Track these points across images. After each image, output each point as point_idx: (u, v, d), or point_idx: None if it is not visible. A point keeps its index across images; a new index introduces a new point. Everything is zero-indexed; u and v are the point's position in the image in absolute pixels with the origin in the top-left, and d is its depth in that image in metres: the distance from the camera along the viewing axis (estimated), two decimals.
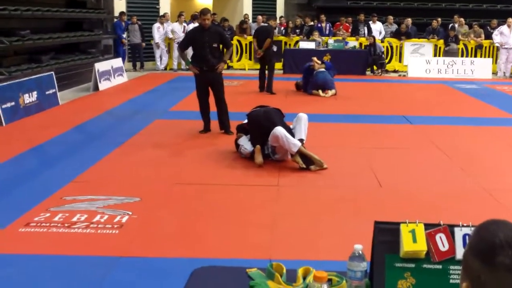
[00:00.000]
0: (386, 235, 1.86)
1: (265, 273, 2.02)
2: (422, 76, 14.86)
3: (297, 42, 15.90)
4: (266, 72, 11.54)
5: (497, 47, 15.61)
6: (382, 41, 16.12)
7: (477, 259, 1.20)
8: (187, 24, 15.75)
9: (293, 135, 5.88)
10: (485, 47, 16.18)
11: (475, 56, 16.08)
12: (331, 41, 15.44)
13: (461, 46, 16.13)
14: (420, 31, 16.90)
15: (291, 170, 5.79)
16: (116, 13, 15.55)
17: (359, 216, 4.40)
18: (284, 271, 2.02)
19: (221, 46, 7.65)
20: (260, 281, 1.97)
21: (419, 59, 15.57)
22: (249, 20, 17.37)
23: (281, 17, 18.08)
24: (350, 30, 16.77)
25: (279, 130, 5.74)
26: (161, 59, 15.99)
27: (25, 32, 10.27)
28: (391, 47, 16.37)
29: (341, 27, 16.82)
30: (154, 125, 8.09)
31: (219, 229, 4.18)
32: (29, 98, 8.93)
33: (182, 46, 7.84)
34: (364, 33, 16.42)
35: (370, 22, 16.66)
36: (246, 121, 6.38)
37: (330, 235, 4.07)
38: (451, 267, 1.81)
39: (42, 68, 10.52)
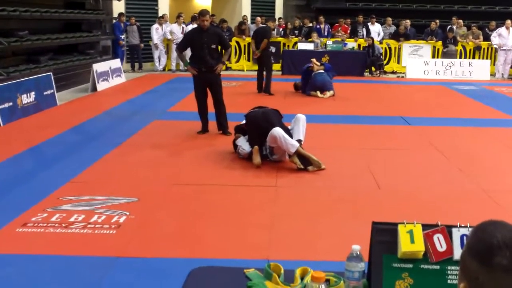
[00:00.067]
0: (384, 235, 1.85)
1: (263, 274, 2.02)
2: (421, 77, 14.89)
3: (295, 43, 15.91)
4: (264, 73, 11.55)
5: (496, 48, 15.63)
6: (381, 43, 16.14)
7: (475, 260, 1.19)
8: (186, 25, 15.76)
9: (291, 135, 5.88)
10: (484, 49, 16.21)
11: (473, 57, 16.12)
12: (329, 42, 15.45)
13: (459, 47, 16.16)
14: (418, 32, 16.94)
15: (289, 170, 5.79)
16: (115, 14, 15.55)
17: (357, 216, 4.40)
18: (282, 271, 2.01)
19: (219, 47, 7.65)
20: (257, 281, 1.96)
21: (418, 61, 15.59)
22: (247, 21, 17.38)
23: (279, 18, 18.10)
24: (348, 31, 16.79)
25: (277, 130, 5.74)
26: (159, 60, 15.99)
27: (23, 32, 10.26)
28: (390, 48, 16.40)
29: (339, 29, 16.83)
30: (152, 126, 8.09)
31: (217, 229, 4.17)
32: (27, 98, 8.92)
33: (181, 47, 7.84)
34: (363, 35, 16.44)
35: (369, 24, 16.69)
36: (244, 121, 6.38)
37: (328, 236, 4.07)
38: (449, 267, 1.81)
39: (40, 68, 10.51)
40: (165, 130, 7.78)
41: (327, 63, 12.74)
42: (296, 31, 16.85)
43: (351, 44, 15.90)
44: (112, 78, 12.64)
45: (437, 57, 16.01)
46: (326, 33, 16.84)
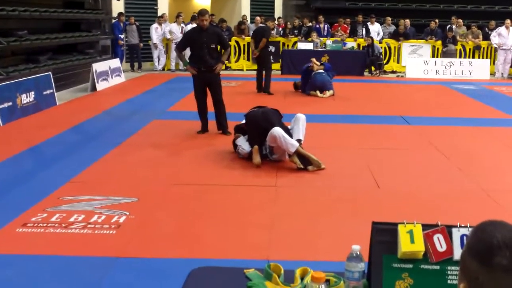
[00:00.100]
0: (384, 235, 1.85)
1: (263, 274, 2.02)
2: (420, 77, 14.89)
3: (295, 43, 15.91)
4: (264, 72, 11.55)
5: (495, 48, 15.64)
6: (380, 42, 16.14)
7: (475, 260, 1.20)
8: (186, 25, 15.75)
9: (291, 135, 5.88)
10: (483, 48, 16.21)
11: (473, 57, 16.12)
12: (329, 42, 15.45)
13: (459, 47, 16.16)
14: (418, 32, 16.93)
15: (289, 170, 5.79)
16: (114, 14, 15.54)
17: (357, 216, 4.40)
18: (282, 271, 2.01)
19: (219, 47, 7.65)
20: (257, 281, 1.96)
21: (417, 60, 15.59)
22: (247, 21, 17.38)
23: (279, 18, 18.10)
24: (348, 31, 16.78)
25: (277, 130, 5.74)
26: (159, 60, 15.99)
27: (22, 32, 10.26)
28: (389, 48, 16.39)
29: (339, 28, 16.83)
30: (152, 126, 8.09)
31: (217, 229, 4.17)
32: (26, 98, 8.92)
33: (180, 47, 7.84)
34: (362, 34, 16.44)
35: (368, 23, 16.69)
36: (244, 121, 6.38)
37: (328, 236, 4.07)
38: (449, 267, 1.81)
39: (40, 68, 10.51)
40: (165, 129, 7.78)
41: (327, 62, 12.74)
42: (295, 31, 16.85)
43: (351, 43, 15.90)
44: (112, 77, 12.64)
45: (437, 57, 16.02)
46: (325, 33, 16.85)
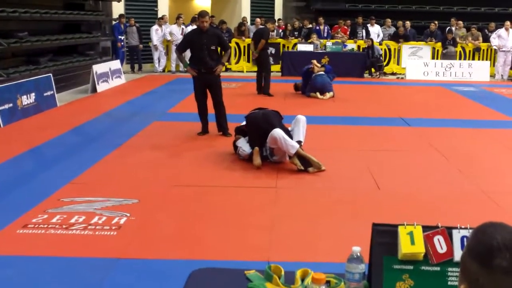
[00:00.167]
0: (384, 237, 1.86)
1: (263, 275, 2.02)
2: (420, 78, 14.89)
3: (295, 44, 15.92)
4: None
5: (495, 50, 15.65)
6: (380, 44, 16.15)
7: (475, 262, 1.20)
8: (186, 27, 15.76)
9: (291, 137, 5.89)
10: (483, 50, 16.22)
11: (473, 59, 16.13)
12: (329, 43, 15.46)
13: (459, 49, 16.17)
14: (418, 34, 16.94)
15: (289, 172, 5.80)
16: (115, 15, 15.55)
17: (357, 218, 4.40)
18: (283, 273, 2.02)
19: (219, 48, 7.66)
20: (258, 283, 1.97)
21: (417, 62, 15.60)
22: (247, 22, 17.39)
23: (279, 19, 18.11)
24: (348, 32, 16.79)
25: (277, 131, 5.74)
26: (159, 61, 16.00)
27: (23, 34, 10.26)
28: (389, 49, 16.40)
29: (339, 30, 16.84)
30: (152, 127, 8.09)
31: (217, 231, 4.18)
32: (27, 99, 8.93)
33: (180, 48, 7.84)
34: (362, 36, 16.45)
35: (368, 25, 16.70)
36: (244, 123, 6.38)
37: (328, 237, 4.07)
38: (449, 269, 1.82)
39: (40, 70, 10.51)
40: (165, 131, 7.79)
41: (327, 64, 12.75)
42: (295, 32, 16.87)
43: (351, 45, 15.92)
44: (112, 79, 12.65)
45: (437, 59, 16.03)
46: (325, 34, 16.86)
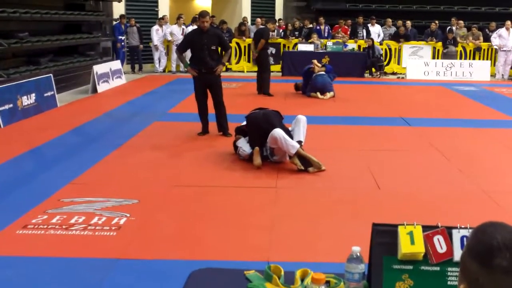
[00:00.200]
0: (384, 237, 1.86)
1: (263, 275, 2.02)
2: (421, 78, 14.89)
3: (295, 44, 15.92)
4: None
5: (496, 49, 15.64)
6: (381, 44, 16.15)
7: (475, 261, 1.20)
8: (186, 27, 15.77)
9: (291, 137, 5.88)
10: (484, 50, 16.21)
11: (474, 58, 16.12)
12: (329, 43, 15.46)
13: (459, 48, 16.16)
14: (418, 33, 16.94)
15: (290, 172, 5.79)
16: (115, 16, 15.55)
17: (357, 218, 4.40)
18: (282, 273, 2.01)
19: (219, 48, 7.66)
20: (258, 283, 1.97)
21: (418, 62, 15.59)
22: (247, 22, 17.39)
23: (279, 19, 18.12)
24: (348, 32, 16.80)
25: (277, 131, 5.74)
26: (159, 61, 16.00)
27: (23, 34, 10.27)
28: (390, 49, 16.40)
29: (339, 30, 16.84)
30: (153, 127, 8.09)
31: (217, 231, 4.17)
32: (27, 100, 8.93)
33: (181, 49, 7.84)
34: (363, 36, 16.45)
35: (369, 25, 16.70)
36: (244, 123, 6.38)
37: (328, 237, 4.07)
38: (449, 269, 1.81)
39: (41, 70, 10.52)
40: (165, 131, 7.79)
41: (328, 64, 12.75)
42: (296, 32, 16.87)
43: (351, 45, 15.92)
44: (112, 79, 12.65)
45: (437, 58, 16.02)
46: (326, 34, 16.86)
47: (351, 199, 4.94)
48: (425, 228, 1.84)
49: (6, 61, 10.09)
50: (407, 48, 16.42)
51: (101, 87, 11.87)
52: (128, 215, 4.44)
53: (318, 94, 11.13)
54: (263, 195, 5.06)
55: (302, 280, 1.96)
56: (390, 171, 5.87)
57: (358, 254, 1.83)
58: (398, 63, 16.41)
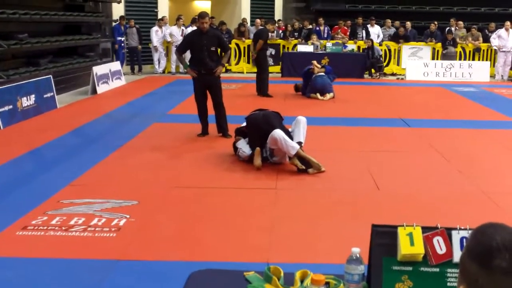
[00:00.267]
0: (383, 238, 1.86)
1: (263, 277, 2.02)
2: (420, 79, 14.89)
3: (295, 45, 15.92)
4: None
5: (495, 50, 15.65)
6: (380, 44, 16.15)
7: (474, 262, 1.20)
8: (186, 28, 15.77)
9: (291, 138, 5.88)
10: (483, 50, 16.22)
11: (473, 59, 16.12)
12: (329, 44, 15.46)
13: (459, 49, 16.16)
14: (418, 34, 16.94)
15: (289, 173, 5.79)
16: (115, 17, 15.56)
17: (357, 219, 4.40)
18: (282, 274, 2.02)
19: (219, 49, 7.66)
20: (257, 284, 1.97)
21: (417, 62, 15.60)
22: (247, 23, 17.40)
23: (279, 20, 18.13)
24: (348, 33, 16.80)
25: (277, 132, 5.74)
26: (159, 63, 16.01)
27: (23, 35, 10.26)
28: (389, 50, 16.40)
29: (339, 31, 16.84)
30: (152, 128, 8.09)
31: (217, 232, 4.17)
32: (27, 101, 8.93)
33: (180, 50, 7.84)
34: (362, 37, 16.45)
35: (368, 26, 16.70)
36: (244, 124, 6.38)
37: (328, 238, 4.07)
38: (449, 270, 1.81)
39: (40, 71, 10.52)
40: (165, 132, 7.79)
41: (327, 65, 12.75)
42: (295, 33, 16.87)
43: (351, 46, 15.92)
44: (112, 80, 12.65)
45: (437, 59, 16.03)
46: (325, 35, 16.87)
47: (350, 200, 4.94)
48: (424, 229, 1.84)
49: (6, 62, 10.09)
50: (406, 49, 16.42)
51: (101, 88, 11.87)
52: (127, 216, 4.44)
53: (318, 95, 11.14)
54: (263, 196, 5.06)
55: (302, 281, 1.96)
56: (389, 172, 5.87)
57: (358, 255, 1.83)
58: (398, 64, 16.41)
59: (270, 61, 15.30)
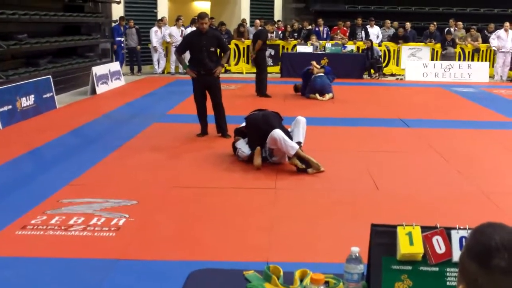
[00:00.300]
0: (383, 237, 1.86)
1: (262, 276, 2.02)
2: (420, 79, 14.90)
3: (294, 46, 15.93)
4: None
5: (494, 51, 15.66)
6: (380, 45, 16.16)
7: (474, 262, 1.20)
8: (185, 28, 15.76)
9: (291, 138, 5.89)
10: (482, 51, 16.23)
11: (472, 60, 16.13)
12: (328, 45, 15.47)
13: (458, 50, 16.17)
14: (417, 35, 16.95)
15: (289, 173, 5.80)
16: (114, 17, 15.55)
17: (356, 219, 4.40)
18: (281, 273, 2.02)
19: (218, 50, 7.66)
20: (257, 283, 1.97)
21: (417, 63, 15.60)
22: (246, 24, 17.40)
23: (278, 21, 18.13)
24: (347, 34, 16.81)
25: (277, 132, 5.75)
26: (158, 63, 16.00)
27: (22, 36, 10.26)
28: (389, 51, 16.41)
29: (338, 31, 16.85)
30: (152, 129, 8.09)
31: (216, 231, 4.18)
32: (26, 101, 8.92)
33: (180, 50, 7.84)
34: (362, 37, 16.46)
35: (368, 26, 16.70)
36: (243, 124, 6.38)
37: (327, 238, 4.07)
38: (448, 269, 1.82)
39: (40, 71, 10.51)
40: (164, 133, 7.79)
41: (327, 65, 12.76)
42: (295, 34, 16.88)
43: (350, 46, 15.92)
44: (111, 81, 12.65)
45: (436, 60, 16.03)
46: (325, 36, 16.87)
47: (350, 200, 4.95)
48: (424, 228, 1.84)
49: (5, 63, 10.09)
50: (405, 50, 16.42)
51: (100, 89, 11.86)
52: (127, 216, 4.44)
53: (317, 95, 11.14)
54: (262, 196, 5.06)
55: (301, 281, 1.97)
56: (389, 172, 5.88)
57: (357, 254, 1.83)
58: (397, 65, 16.42)
59: (270, 61, 15.31)
